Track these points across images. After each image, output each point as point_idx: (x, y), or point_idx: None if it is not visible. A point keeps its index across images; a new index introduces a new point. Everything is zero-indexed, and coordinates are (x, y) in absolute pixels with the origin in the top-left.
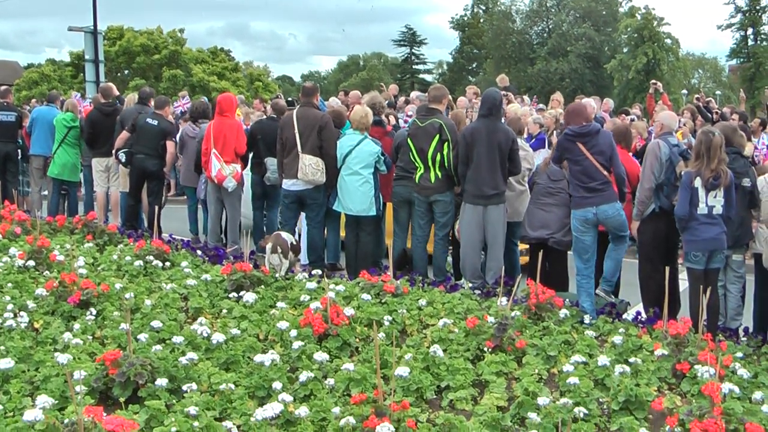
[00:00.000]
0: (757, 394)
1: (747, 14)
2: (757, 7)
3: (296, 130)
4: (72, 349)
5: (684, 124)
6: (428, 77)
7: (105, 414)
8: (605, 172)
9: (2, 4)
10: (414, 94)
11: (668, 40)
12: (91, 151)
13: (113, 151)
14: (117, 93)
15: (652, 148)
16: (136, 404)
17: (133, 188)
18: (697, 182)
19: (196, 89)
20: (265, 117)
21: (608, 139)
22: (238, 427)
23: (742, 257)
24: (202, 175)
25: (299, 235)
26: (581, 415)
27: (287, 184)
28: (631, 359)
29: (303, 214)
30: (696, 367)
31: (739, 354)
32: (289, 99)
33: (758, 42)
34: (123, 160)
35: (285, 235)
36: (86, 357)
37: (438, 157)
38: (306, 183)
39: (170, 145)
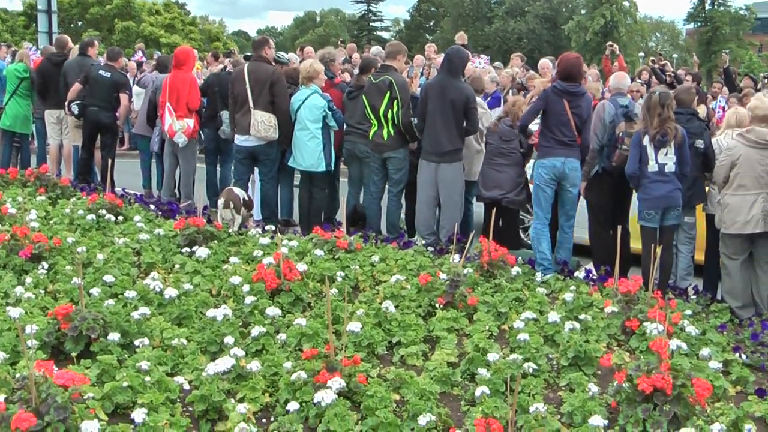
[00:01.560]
0: (705, 351)
1: None
2: None
3: (248, 85)
4: (24, 303)
5: (639, 88)
6: (385, 35)
7: (56, 368)
8: (576, 132)
9: None
10: (374, 49)
11: (626, 3)
12: (42, 102)
13: (65, 103)
14: (71, 45)
15: (597, 109)
16: (88, 359)
17: (86, 141)
18: (646, 140)
19: (148, 43)
20: (223, 68)
21: (589, 105)
22: (190, 382)
23: (693, 219)
24: (156, 128)
25: (252, 191)
26: (530, 370)
27: (239, 139)
28: (581, 316)
29: (256, 170)
30: (645, 324)
31: (688, 312)
32: (247, 54)
33: (715, 6)
34: (76, 112)
35: (237, 190)
36: (38, 311)
37: (390, 114)
38: (258, 139)
39: (124, 98)
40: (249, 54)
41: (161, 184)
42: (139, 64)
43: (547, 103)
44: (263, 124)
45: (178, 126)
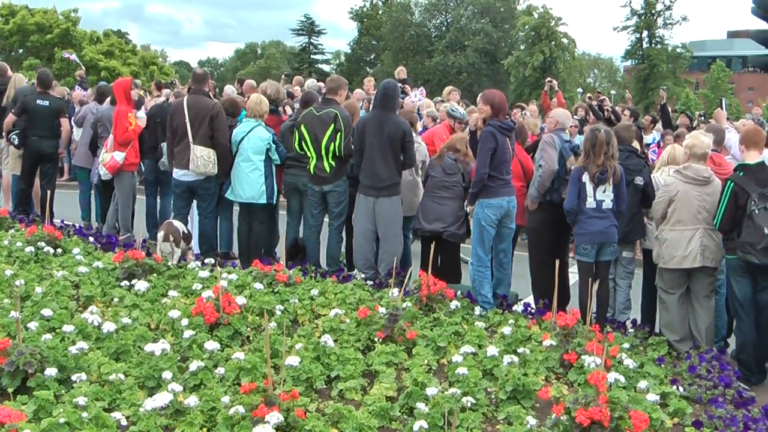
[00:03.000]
0: (642, 383)
1: (642, 17)
2: (653, 11)
3: (187, 119)
4: None
5: (575, 125)
6: (326, 67)
7: None
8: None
9: None
10: (308, 82)
11: (565, 40)
12: None
13: (3, 134)
14: (10, 74)
15: (549, 138)
16: (24, 395)
17: (26, 171)
18: (585, 177)
19: (89, 70)
20: (165, 101)
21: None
22: (127, 417)
23: (632, 254)
24: (95, 159)
25: (191, 224)
26: (469, 404)
27: (178, 174)
28: (520, 350)
29: (195, 203)
30: (583, 357)
31: (626, 345)
32: (173, 81)
33: (653, 44)
34: (16, 142)
35: (177, 223)
36: None
37: (331, 147)
38: (197, 174)
39: (65, 122)
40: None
41: (100, 216)
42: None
43: (497, 143)
44: (202, 159)
45: (101, 159)
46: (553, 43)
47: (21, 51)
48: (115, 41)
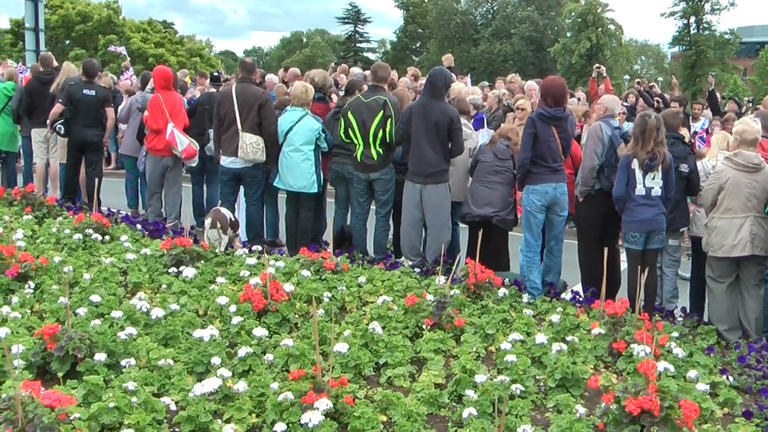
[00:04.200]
0: (692, 373)
1: (690, 3)
2: None
3: (236, 106)
4: (10, 323)
5: (624, 112)
6: (371, 56)
7: (43, 389)
8: (562, 155)
9: None
10: (354, 69)
11: (611, 26)
12: (29, 121)
13: (48, 123)
14: (56, 64)
15: (594, 129)
16: (74, 379)
17: (71, 160)
18: (634, 164)
19: (136, 59)
20: (213, 90)
21: (573, 127)
22: (177, 402)
23: (677, 241)
24: (143, 147)
25: (238, 212)
26: (518, 392)
27: (226, 161)
28: (569, 338)
29: (242, 190)
30: (632, 346)
31: (675, 334)
32: (214, 74)
33: (700, 30)
34: (62, 132)
35: (224, 210)
36: (24, 331)
37: (380, 134)
38: (245, 161)
39: (110, 112)
40: (215, 73)
41: (147, 204)
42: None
43: (536, 129)
44: (251, 146)
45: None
46: (599, 29)
47: (67, 42)
48: (160, 29)
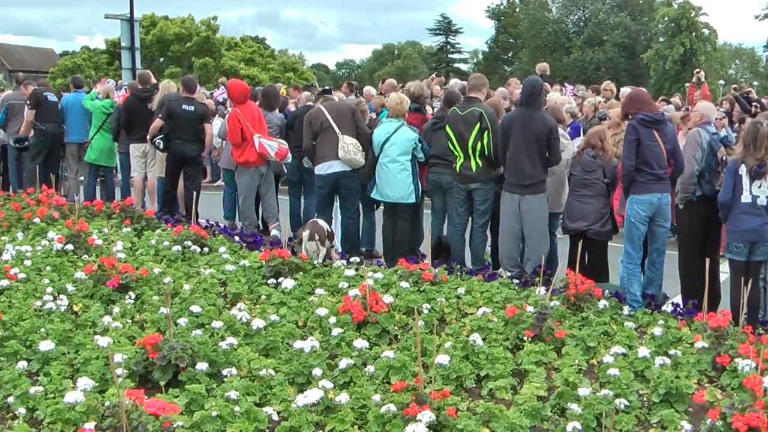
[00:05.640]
0: None
1: None
2: None
3: (329, 117)
4: (111, 333)
5: (721, 117)
6: (463, 66)
7: (146, 397)
8: (666, 162)
9: None
10: (452, 81)
11: (705, 30)
12: (127, 136)
13: (148, 138)
14: (154, 81)
15: (693, 135)
16: (176, 388)
17: (171, 174)
18: (742, 170)
19: (228, 76)
20: (310, 103)
21: (674, 130)
22: (279, 413)
23: None
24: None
25: (334, 223)
26: (622, 406)
27: (323, 168)
28: (671, 351)
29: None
30: (736, 360)
31: None
32: (326, 88)
33: None
34: (161, 147)
35: (321, 222)
36: (126, 340)
37: (478, 146)
38: (345, 164)
39: (208, 128)
40: (327, 87)
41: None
42: (222, 102)
43: (639, 135)
44: (352, 146)
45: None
46: (693, 34)
47: (162, 60)
48: (256, 47)
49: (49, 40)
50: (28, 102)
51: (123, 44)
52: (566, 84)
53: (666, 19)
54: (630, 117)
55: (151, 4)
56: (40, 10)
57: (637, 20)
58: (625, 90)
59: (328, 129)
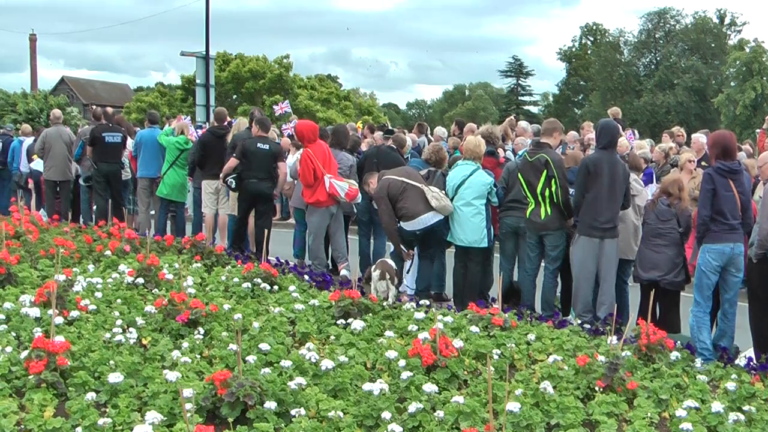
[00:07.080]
0: None
1: None
2: None
3: (402, 178)
4: (180, 367)
5: None
6: (534, 108)
7: None
8: (740, 212)
9: (108, 30)
10: (522, 123)
11: None
12: (201, 172)
13: (221, 177)
14: (229, 119)
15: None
16: (244, 425)
17: (243, 211)
18: None
19: (303, 116)
20: (384, 144)
21: (749, 179)
22: None
23: None
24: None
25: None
26: None
27: (413, 225)
28: (745, 407)
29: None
30: None
31: None
32: (390, 128)
33: None
34: (233, 186)
35: (390, 261)
36: (194, 375)
37: (547, 193)
38: (440, 211)
39: (282, 166)
40: (391, 128)
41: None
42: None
43: (715, 185)
44: (438, 193)
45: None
46: (765, 78)
47: (235, 97)
48: (333, 87)
49: (123, 76)
50: (86, 139)
51: (198, 81)
52: (633, 130)
53: (738, 63)
54: (704, 164)
55: (225, 42)
56: (114, 46)
57: (709, 63)
58: (697, 137)
59: (405, 186)
